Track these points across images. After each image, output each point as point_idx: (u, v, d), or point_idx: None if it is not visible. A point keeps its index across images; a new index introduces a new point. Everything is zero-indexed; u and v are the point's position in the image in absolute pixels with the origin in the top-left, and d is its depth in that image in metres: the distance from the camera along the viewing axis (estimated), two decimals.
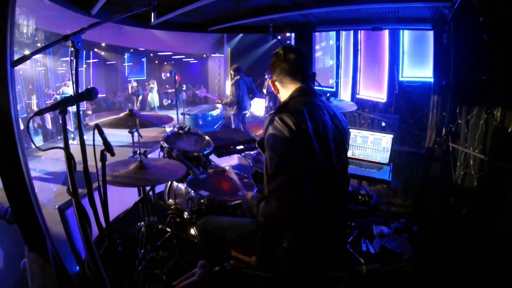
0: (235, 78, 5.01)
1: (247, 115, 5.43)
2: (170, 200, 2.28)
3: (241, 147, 2.51)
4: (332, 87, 4.99)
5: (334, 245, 1.34)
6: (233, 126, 5.26)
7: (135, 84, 10.96)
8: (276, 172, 1.14)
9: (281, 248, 1.25)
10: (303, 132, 1.15)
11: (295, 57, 1.30)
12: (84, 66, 9.53)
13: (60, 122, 1.05)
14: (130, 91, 11.19)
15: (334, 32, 4.77)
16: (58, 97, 7.25)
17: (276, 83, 1.36)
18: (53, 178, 4.60)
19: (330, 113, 1.30)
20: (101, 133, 1.13)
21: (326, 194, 1.24)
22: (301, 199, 1.14)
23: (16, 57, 1.21)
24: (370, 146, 2.62)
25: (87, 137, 1.10)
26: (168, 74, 9.93)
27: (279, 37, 2.82)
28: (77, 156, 1.04)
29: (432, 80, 3.12)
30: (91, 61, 10.00)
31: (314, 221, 1.22)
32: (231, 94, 5.06)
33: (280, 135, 1.15)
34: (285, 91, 1.33)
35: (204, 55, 12.98)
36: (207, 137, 2.43)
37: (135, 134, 2.06)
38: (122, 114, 1.98)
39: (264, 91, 8.64)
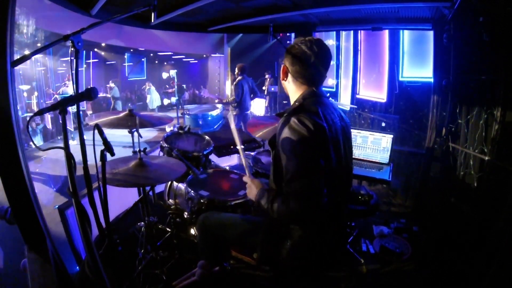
0: (238, 78, 5.02)
1: (249, 114, 5.45)
2: (170, 200, 2.28)
3: (241, 147, 2.51)
4: (332, 87, 4.99)
5: (337, 244, 1.34)
6: (232, 126, 5.26)
7: (112, 85, 9.92)
8: (296, 174, 1.11)
9: (284, 247, 1.25)
10: (321, 133, 1.14)
11: (323, 61, 1.25)
12: (84, 66, 9.52)
13: (60, 122, 1.05)
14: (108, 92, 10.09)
15: (334, 32, 4.77)
16: (58, 97, 7.24)
17: (290, 76, 1.30)
18: (49, 182, 4.60)
19: (338, 114, 1.30)
20: (101, 133, 1.13)
21: (338, 195, 1.25)
22: (320, 201, 1.13)
23: (16, 57, 1.21)
24: (370, 146, 2.62)
25: (87, 137, 1.10)
26: (167, 74, 9.90)
27: (279, 37, 2.81)
28: (77, 156, 1.04)
29: (432, 80, 3.12)
30: (91, 61, 9.99)
31: (323, 221, 1.23)
32: (232, 94, 5.06)
33: (299, 136, 1.11)
34: (296, 88, 1.29)
35: (204, 55, 12.98)
36: (207, 137, 2.44)
37: (135, 134, 2.06)
38: (122, 114, 1.98)
39: (265, 91, 8.65)
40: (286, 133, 1.15)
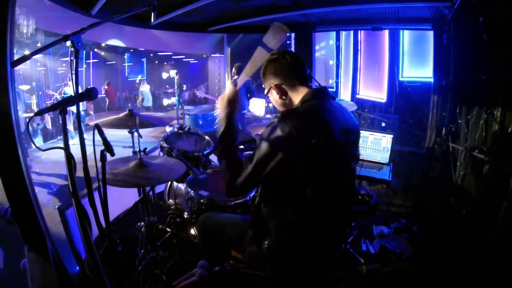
0: (234, 78, 5.03)
1: (245, 114, 5.44)
2: (170, 200, 2.28)
3: (241, 147, 2.51)
4: (332, 87, 4.99)
5: (331, 245, 1.34)
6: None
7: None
8: (252, 158, 1.14)
9: (263, 246, 1.25)
10: (304, 141, 1.09)
11: (297, 58, 1.27)
12: (84, 66, 9.53)
13: (60, 122, 1.05)
14: None
15: (334, 32, 4.77)
16: (59, 97, 7.24)
17: (284, 86, 1.27)
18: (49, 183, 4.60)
19: (340, 118, 1.22)
20: (101, 133, 1.13)
21: (329, 198, 1.22)
22: (301, 202, 1.13)
23: (16, 57, 1.21)
24: (370, 146, 2.62)
25: (87, 136, 1.10)
26: (167, 74, 9.93)
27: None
28: (77, 156, 1.04)
29: (432, 80, 3.12)
30: (91, 61, 10.01)
31: (307, 222, 1.21)
32: None
33: (277, 137, 1.09)
34: (296, 94, 1.26)
35: (204, 55, 12.99)
36: (207, 137, 2.44)
37: (135, 134, 2.06)
38: (122, 114, 1.98)
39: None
40: (268, 129, 1.14)
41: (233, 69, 5.15)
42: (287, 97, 1.28)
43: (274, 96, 1.31)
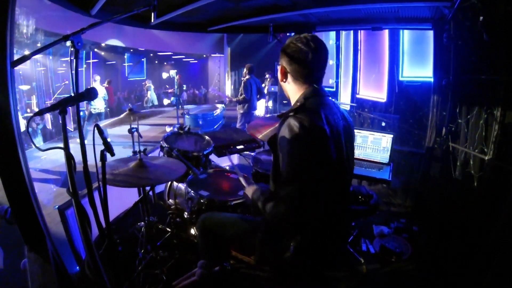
0: (246, 77, 5.08)
1: (254, 114, 5.48)
2: (170, 200, 2.28)
3: (241, 147, 2.51)
4: (332, 87, 5.00)
5: (340, 244, 1.34)
6: (238, 125, 5.29)
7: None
8: (289, 177, 1.10)
9: (287, 249, 1.24)
10: (319, 135, 1.11)
11: (321, 58, 1.23)
12: (84, 66, 9.53)
13: (60, 122, 1.05)
14: None
15: (334, 32, 4.78)
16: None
17: (289, 76, 1.26)
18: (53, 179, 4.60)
19: (341, 114, 1.27)
20: (101, 133, 1.13)
21: (337, 196, 1.24)
22: (314, 204, 1.12)
23: (16, 57, 1.21)
24: (370, 146, 2.62)
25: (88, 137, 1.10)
26: (167, 74, 9.95)
27: (279, 37, 2.82)
28: (77, 157, 1.04)
29: (432, 80, 3.12)
30: (91, 61, 10.00)
31: (323, 223, 1.22)
32: (242, 92, 5.10)
33: (294, 136, 1.09)
34: (296, 88, 1.26)
35: (204, 55, 13.00)
36: (207, 137, 2.44)
37: (135, 134, 2.06)
38: (122, 115, 1.99)
39: (265, 91, 8.66)
40: (283, 133, 1.13)
41: (245, 70, 5.21)
42: (286, 81, 1.29)
43: (279, 72, 1.31)
